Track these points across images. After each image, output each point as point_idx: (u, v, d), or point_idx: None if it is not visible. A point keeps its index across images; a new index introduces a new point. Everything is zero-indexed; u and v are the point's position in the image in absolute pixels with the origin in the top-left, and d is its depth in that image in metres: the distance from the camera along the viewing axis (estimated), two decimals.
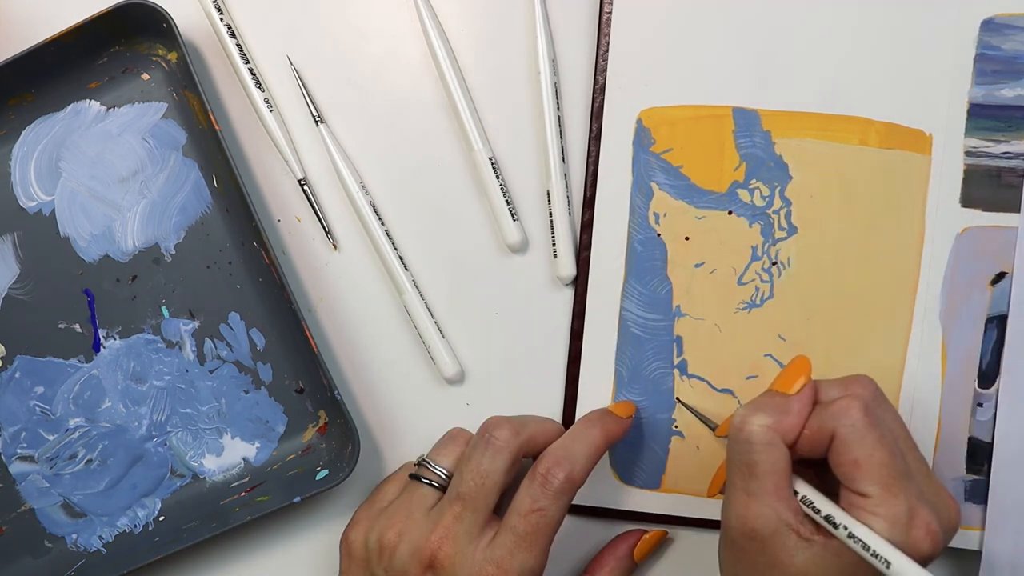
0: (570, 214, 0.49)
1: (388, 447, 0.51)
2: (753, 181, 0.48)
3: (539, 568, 0.43)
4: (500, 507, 0.45)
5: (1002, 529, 0.47)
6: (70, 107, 0.50)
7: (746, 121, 0.48)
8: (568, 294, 0.50)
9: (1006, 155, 0.47)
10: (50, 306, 0.50)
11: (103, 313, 0.50)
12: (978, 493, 0.48)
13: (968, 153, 0.47)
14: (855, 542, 0.38)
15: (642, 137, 0.48)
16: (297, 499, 0.47)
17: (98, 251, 0.50)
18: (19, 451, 0.50)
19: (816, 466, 0.42)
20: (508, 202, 0.49)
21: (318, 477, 0.49)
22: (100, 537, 0.50)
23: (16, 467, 0.50)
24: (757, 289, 0.48)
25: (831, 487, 0.40)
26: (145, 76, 0.50)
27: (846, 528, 0.38)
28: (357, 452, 0.47)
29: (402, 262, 0.49)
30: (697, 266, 0.48)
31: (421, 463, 0.47)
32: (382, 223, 0.50)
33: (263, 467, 0.50)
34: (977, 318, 0.47)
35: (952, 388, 0.48)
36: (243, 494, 0.50)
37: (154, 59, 0.50)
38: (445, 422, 0.50)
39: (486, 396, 0.50)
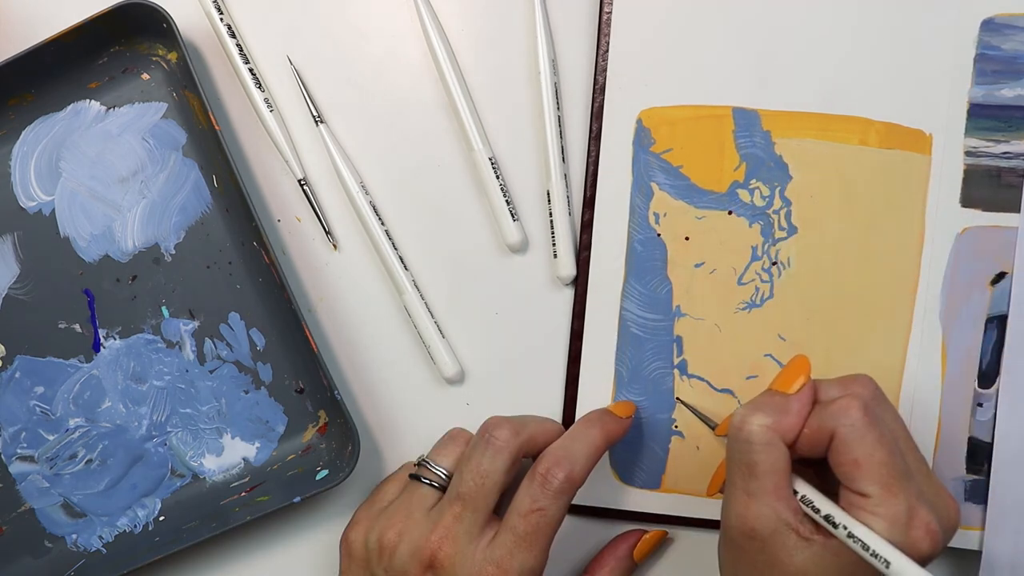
0: (570, 214, 0.49)
1: (388, 447, 0.51)
2: (753, 181, 0.48)
3: (539, 568, 0.43)
4: (500, 507, 0.45)
5: (1002, 529, 0.47)
6: (70, 107, 0.50)
7: (746, 121, 0.48)
8: (568, 294, 0.50)
9: (1006, 155, 0.47)
10: (50, 306, 0.50)
11: (103, 313, 0.50)
12: (978, 493, 0.48)
13: (968, 153, 0.47)
14: (854, 542, 0.38)
15: (642, 137, 0.48)
16: (297, 499, 0.47)
17: (98, 251, 0.50)
18: (19, 451, 0.50)
19: (816, 465, 0.42)
20: (508, 202, 0.49)
21: (318, 477, 0.49)
22: (100, 537, 0.50)
23: (16, 467, 0.50)
24: (757, 289, 0.48)
25: (831, 486, 0.40)
26: (145, 76, 0.50)
27: (845, 528, 0.38)
28: (357, 452, 0.47)
29: (402, 262, 0.49)
30: (697, 266, 0.48)
31: (421, 463, 0.47)
32: (382, 223, 0.50)
33: (263, 467, 0.50)
34: (977, 318, 0.47)
35: (952, 388, 0.48)
36: (243, 494, 0.50)
37: (154, 59, 0.50)
38: (445, 422, 0.50)
39: (486, 396, 0.50)
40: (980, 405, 0.48)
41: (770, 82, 0.48)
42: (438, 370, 0.50)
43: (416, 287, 0.50)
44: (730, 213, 0.48)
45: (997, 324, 0.47)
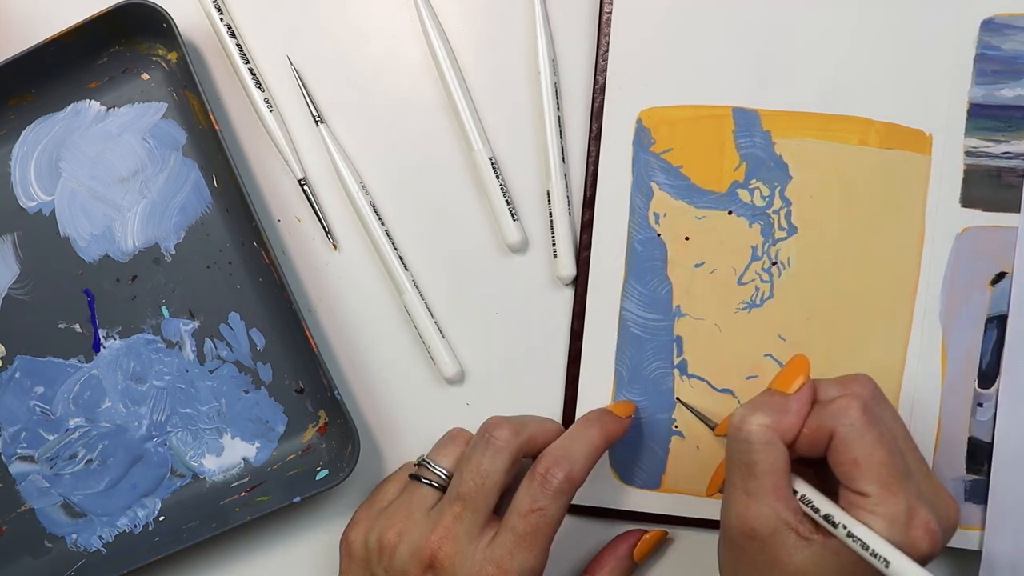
0: (570, 214, 0.49)
1: (388, 447, 0.51)
2: (753, 181, 0.48)
3: (539, 568, 0.43)
4: (500, 507, 0.45)
5: (1002, 529, 0.47)
6: (70, 107, 0.50)
7: (746, 121, 0.48)
8: (568, 294, 0.50)
9: (1006, 155, 0.47)
10: (50, 306, 0.50)
11: (103, 313, 0.50)
12: (978, 493, 0.48)
13: (968, 153, 0.47)
14: (854, 541, 0.38)
15: (642, 137, 0.48)
16: (297, 499, 0.47)
17: (98, 251, 0.50)
18: (19, 451, 0.50)
19: (815, 465, 0.42)
20: (508, 202, 0.49)
21: (318, 477, 0.49)
22: (100, 537, 0.50)
23: (16, 467, 0.50)
24: (757, 289, 0.48)
25: (830, 486, 0.40)
26: (145, 76, 0.50)
27: (845, 527, 0.38)
28: (357, 452, 0.47)
29: (402, 262, 0.49)
30: (697, 266, 0.48)
31: (421, 463, 0.47)
32: (382, 223, 0.50)
33: (263, 467, 0.50)
34: (977, 318, 0.47)
35: (952, 388, 0.48)
36: (243, 494, 0.50)
37: (154, 59, 0.50)
38: (445, 422, 0.50)
39: (486, 396, 0.50)
40: (980, 405, 0.48)
41: (770, 82, 0.48)
42: (438, 370, 0.50)
43: (416, 287, 0.50)
44: (730, 213, 0.48)
45: (997, 324, 0.47)
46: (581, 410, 0.49)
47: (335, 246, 0.50)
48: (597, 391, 0.49)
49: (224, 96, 0.50)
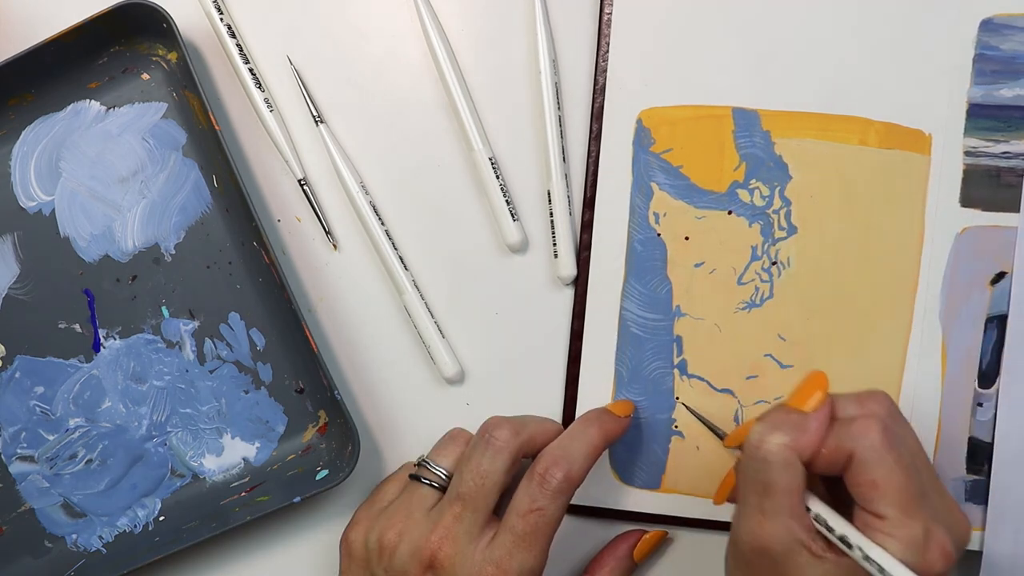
0: (571, 214, 0.49)
1: (388, 447, 0.51)
2: (753, 181, 0.48)
3: (539, 568, 0.43)
4: (500, 507, 0.45)
5: (1002, 529, 0.47)
6: (70, 107, 0.50)
7: (746, 121, 0.48)
8: (568, 294, 0.50)
9: (1005, 155, 0.47)
10: (50, 306, 0.50)
11: (103, 313, 0.50)
12: (978, 493, 0.48)
13: (967, 153, 0.47)
14: (870, 564, 0.37)
15: (642, 137, 0.48)
16: (297, 499, 0.47)
17: (98, 251, 0.50)
18: (19, 451, 0.50)
19: (826, 479, 0.41)
20: (508, 202, 0.49)
21: (318, 477, 0.49)
22: (100, 537, 0.50)
23: (16, 467, 0.50)
24: (757, 289, 0.48)
25: (840, 499, 0.40)
26: (145, 76, 0.50)
27: (861, 549, 0.38)
28: (357, 452, 0.47)
29: (402, 262, 0.49)
30: (697, 266, 0.48)
31: (421, 463, 0.47)
32: (382, 223, 0.50)
33: (263, 467, 0.50)
34: (977, 318, 0.47)
35: (952, 388, 0.48)
36: (243, 494, 0.50)
37: (154, 59, 0.50)
38: (445, 422, 0.50)
39: (486, 396, 0.50)
40: (980, 405, 0.48)
41: (770, 82, 0.48)
42: (438, 370, 0.50)
43: (416, 287, 0.50)
44: (730, 213, 0.48)
45: (997, 324, 0.47)
46: (581, 410, 0.49)
47: (335, 246, 0.51)
48: (597, 391, 0.49)
49: (224, 96, 0.50)
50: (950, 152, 0.47)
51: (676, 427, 0.49)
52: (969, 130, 0.47)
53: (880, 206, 0.48)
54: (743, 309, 0.48)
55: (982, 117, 0.47)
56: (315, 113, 0.50)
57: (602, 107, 0.48)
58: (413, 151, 0.50)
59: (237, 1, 0.50)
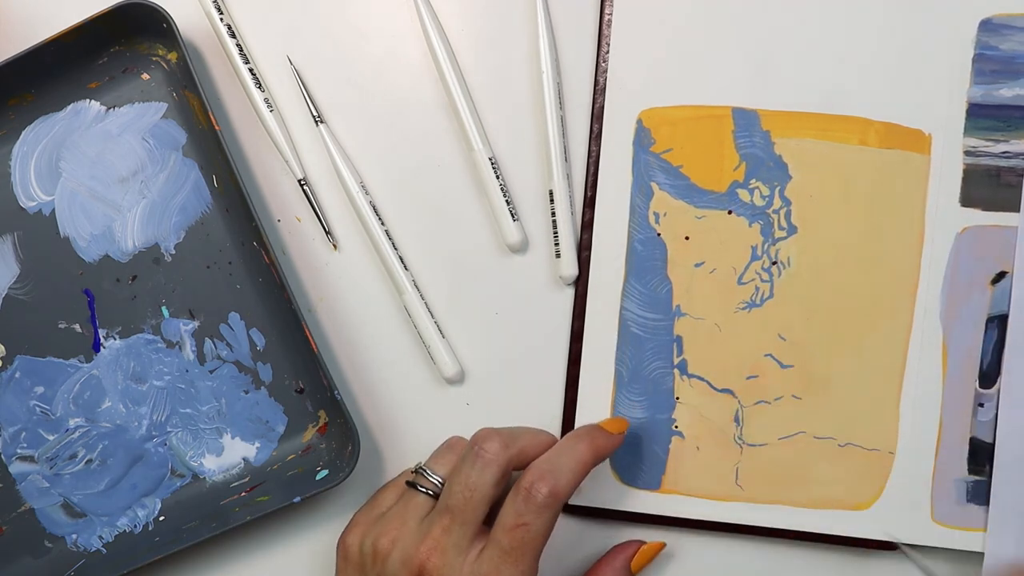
0: (572, 214, 0.49)
1: (388, 447, 0.51)
2: (753, 181, 0.48)
3: None
4: (492, 517, 0.45)
5: (1004, 530, 0.47)
6: (70, 107, 0.50)
7: (746, 121, 0.48)
8: (568, 294, 0.50)
9: (1005, 154, 0.47)
10: (50, 306, 0.50)
11: (103, 313, 0.50)
12: (980, 494, 0.48)
13: (967, 153, 0.47)
14: None
15: (642, 137, 0.48)
16: (297, 499, 0.47)
17: (98, 251, 0.50)
18: (19, 451, 0.50)
19: None
20: (508, 202, 0.49)
21: (318, 477, 0.49)
22: (100, 537, 0.50)
23: (16, 467, 0.50)
24: (757, 289, 0.48)
25: None
26: (145, 76, 0.50)
27: None
28: (357, 452, 0.47)
29: (402, 262, 0.49)
30: (697, 266, 0.48)
31: (418, 471, 0.47)
32: (382, 223, 0.50)
33: (263, 467, 0.50)
34: (977, 318, 0.47)
35: (953, 388, 0.48)
36: (243, 494, 0.50)
37: (154, 59, 0.50)
38: (445, 422, 0.50)
39: (486, 396, 0.50)
40: (981, 405, 0.47)
41: (770, 82, 0.48)
42: (438, 370, 0.50)
43: (416, 287, 0.50)
44: (730, 213, 0.48)
45: (998, 324, 0.47)
46: (581, 410, 0.49)
47: (335, 246, 0.51)
48: (597, 391, 0.49)
49: (224, 96, 0.51)
50: (950, 152, 0.47)
51: (676, 427, 0.49)
52: (969, 130, 0.47)
53: (880, 206, 0.48)
54: (743, 309, 0.48)
55: (982, 117, 0.47)
56: (315, 113, 0.50)
57: (602, 107, 0.48)
58: (413, 151, 0.50)
59: (237, 1, 0.50)
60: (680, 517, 0.49)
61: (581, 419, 0.49)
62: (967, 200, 0.47)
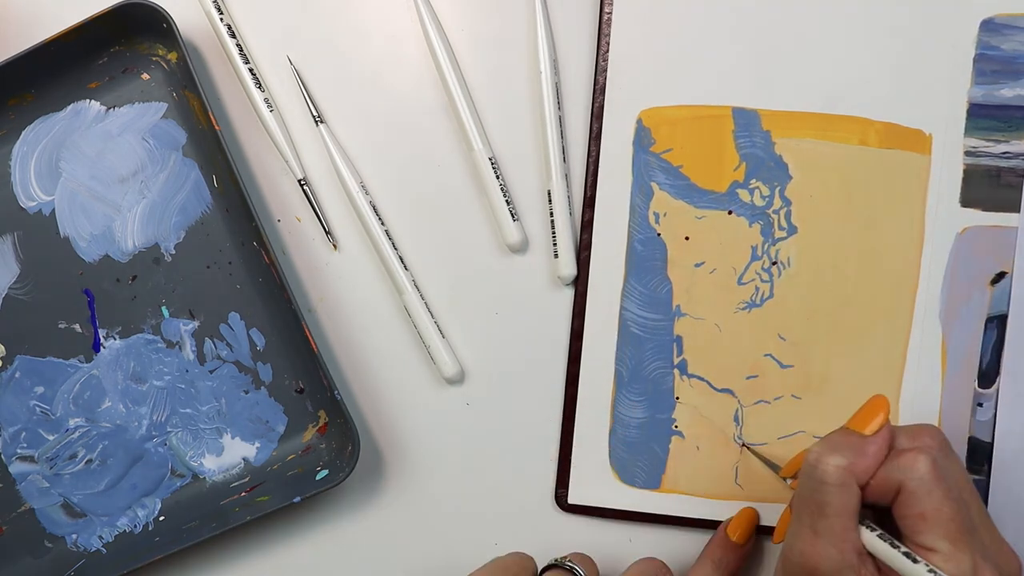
0: (571, 214, 0.49)
1: (388, 447, 0.51)
2: (753, 181, 0.48)
3: None
4: None
5: (1003, 530, 0.47)
6: (70, 107, 0.50)
7: (746, 121, 0.48)
8: (568, 294, 0.50)
9: (1006, 155, 0.47)
10: (50, 306, 0.50)
11: (103, 313, 0.50)
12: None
13: (968, 153, 0.47)
14: None
15: (642, 137, 0.48)
16: (297, 499, 0.47)
17: (98, 251, 0.50)
18: (19, 451, 0.50)
19: (874, 511, 0.41)
20: (508, 202, 0.49)
21: (318, 477, 0.49)
22: (100, 537, 0.50)
23: (16, 467, 0.50)
24: (757, 289, 0.48)
25: (888, 532, 0.40)
26: (145, 76, 0.50)
27: (927, 565, 0.37)
28: (357, 452, 0.47)
29: (402, 262, 0.49)
30: (697, 266, 0.48)
31: None
32: (382, 223, 0.50)
33: (263, 467, 0.50)
34: (977, 318, 0.47)
35: (952, 388, 0.48)
36: (243, 494, 0.50)
37: (154, 59, 0.50)
38: (445, 422, 0.50)
39: (486, 396, 0.50)
40: (980, 405, 0.48)
41: (770, 82, 0.48)
42: (438, 370, 0.50)
43: (416, 287, 0.50)
44: (730, 213, 0.48)
45: (997, 324, 0.47)
46: (581, 410, 0.49)
47: (335, 246, 0.51)
48: (597, 391, 0.49)
49: (224, 96, 0.50)
50: (950, 152, 0.47)
51: (676, 427, 0.49)
52: (969, 130, 0.47)
53: (880, 206, 0.48)
54: (743, 309, 0.48)
55: (982, 117, 0.47)
56: (315, 113, 0.50)
57: (602, 107, 0.48)
58: (413, 151, 0.50)
59: (237, 1, 0.50)
60: (680, 516, 0.49)
61: (581, 419, 0.49)
62: (967, 200, 0.47)
